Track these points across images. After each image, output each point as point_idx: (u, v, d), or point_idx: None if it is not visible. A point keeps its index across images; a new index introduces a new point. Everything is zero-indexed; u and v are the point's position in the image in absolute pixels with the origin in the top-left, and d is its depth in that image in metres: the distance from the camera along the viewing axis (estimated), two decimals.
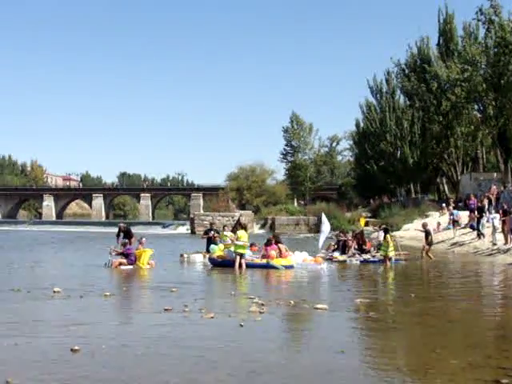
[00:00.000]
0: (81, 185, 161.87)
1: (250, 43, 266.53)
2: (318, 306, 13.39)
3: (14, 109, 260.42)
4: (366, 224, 46.38)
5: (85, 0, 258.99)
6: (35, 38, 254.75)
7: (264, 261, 23.17)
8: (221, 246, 25.24)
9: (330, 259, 25.92)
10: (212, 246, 25.78)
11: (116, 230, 28.03)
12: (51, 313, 13.02)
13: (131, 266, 22.73)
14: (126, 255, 23.20)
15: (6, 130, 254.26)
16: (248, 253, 24.05)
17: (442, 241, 35.33)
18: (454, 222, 36.73)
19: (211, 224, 30.00)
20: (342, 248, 27.12)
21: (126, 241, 24.23)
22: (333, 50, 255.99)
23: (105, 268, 22.80)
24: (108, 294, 15.51)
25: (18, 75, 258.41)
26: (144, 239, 24.81)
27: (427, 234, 27.78)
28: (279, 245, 24.22)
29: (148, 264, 23.07)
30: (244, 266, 22.73)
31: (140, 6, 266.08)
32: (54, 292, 15.59)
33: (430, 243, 27.47)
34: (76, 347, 9.21)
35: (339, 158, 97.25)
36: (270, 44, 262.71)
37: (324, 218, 29.02)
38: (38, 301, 14.57)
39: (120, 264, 22.79)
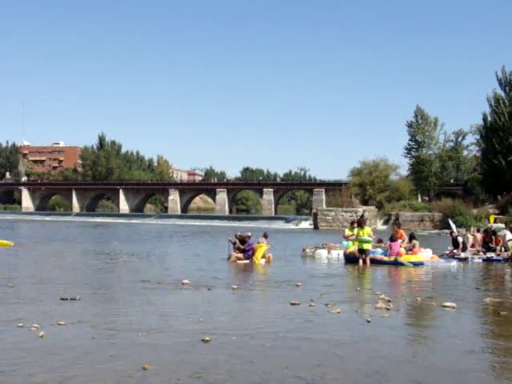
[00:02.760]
0: (215, 179, 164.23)
1: (375, 38, 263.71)
2: (446, 303, 13.14)
3: (142, 107, 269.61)
4: (495, 221, 44.96)
5: None
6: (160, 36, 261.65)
7: (392, 258, 22.93)
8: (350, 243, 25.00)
9: (452, 256, 25.28)
10: (343, 242, 25.65)
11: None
12: (181, 304, 13.38)
13: (247, 261, 23.10)
14: (244, 250, 23.62)
15: (134, 126, 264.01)
16: (379, 251, 23.82)
17: None
18: None
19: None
20: (457, 245, 26.34)
21: (250, 234, 24.39)
22: (460, 43, 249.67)
23: (226, 256, 23.79)
24: (235, 286, 15.84)
25: (146, 78, 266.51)
26: (267, 234, 25.17)
27: None
28: (414, 241, 23.83)
29: (264, 257, 23.38)
30: (368, 262, 22.59)
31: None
32: (183, 284, 16.07)
33: None
34: (207, 338, 9.47)
35: (465, 152, 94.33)
36: (395, 38, 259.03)
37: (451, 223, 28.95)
38: (168, 292, 15.06)
39: (238, 259, 23.26)
